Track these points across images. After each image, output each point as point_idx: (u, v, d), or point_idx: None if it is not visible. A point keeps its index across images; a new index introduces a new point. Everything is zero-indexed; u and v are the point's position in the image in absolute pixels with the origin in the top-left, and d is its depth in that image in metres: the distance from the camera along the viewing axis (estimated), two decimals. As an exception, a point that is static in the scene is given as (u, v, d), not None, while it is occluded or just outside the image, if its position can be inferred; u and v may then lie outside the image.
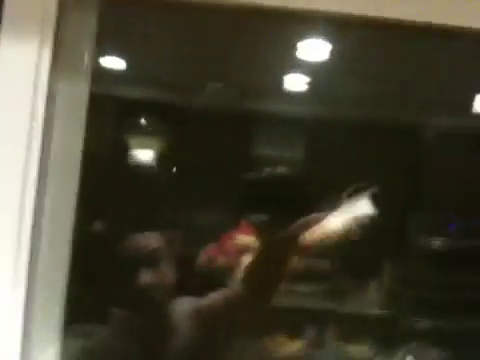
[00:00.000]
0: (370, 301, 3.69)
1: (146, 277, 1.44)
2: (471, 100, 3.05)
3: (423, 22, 1.46)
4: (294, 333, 3.30)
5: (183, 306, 1.33)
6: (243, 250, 2.41)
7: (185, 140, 3.37)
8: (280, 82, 3.03)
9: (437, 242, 3.63)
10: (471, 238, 3.59)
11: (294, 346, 3.20)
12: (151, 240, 1.61)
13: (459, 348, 3.35)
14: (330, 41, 2.32)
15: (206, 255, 2.49)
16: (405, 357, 3.20)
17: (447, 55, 2.15)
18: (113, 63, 2.89)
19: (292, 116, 3.39)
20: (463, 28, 1.47)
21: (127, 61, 2.92)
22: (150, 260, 1.48)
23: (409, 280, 3.63)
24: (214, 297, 1.30)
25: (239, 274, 1.65)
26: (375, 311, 3.66)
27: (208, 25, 2.10)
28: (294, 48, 2.39)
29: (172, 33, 2.29)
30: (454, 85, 2.74)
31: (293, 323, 3.36)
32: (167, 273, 1.50)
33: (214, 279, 2.33)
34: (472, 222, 3.58)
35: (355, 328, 3.48)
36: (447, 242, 3.63)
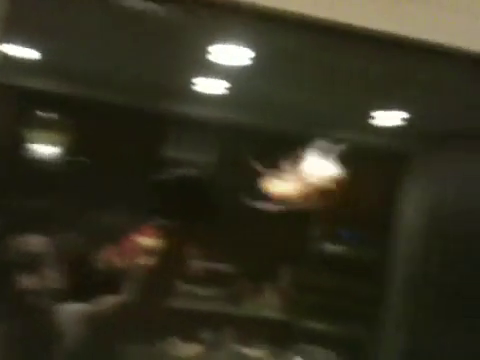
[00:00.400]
0: (267, 304, 3.76)
1: (27, 282, 1.36)
2: (374, 115, 3.17)
3: (341, 24, 1.48)
4: (192, 336, 3.30)
5: (72, 312, 1.25)
6: (144, 253, 2.36)
7: (91, 137, 3.25)
8: (195, 85, 3.01)
9: (331, 248, 3.78)
10: (363, 246, 3.77)
11: (191, 349, 3.19)
12: (34, 244, 1.52)
13: (348, 351, 3.52)
14: (246, 46, 2.33)
15: (105, 257, 2.41)
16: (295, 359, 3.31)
17: (368, 63, 2.20)
18: (21, 52, 2.71)
19: (206, 120, 3.38)
20: (391, 34, 1.51)
21: (36, 51, 2.76)
22: (32, 265, 1.39)
23: (304, 284, 3.75)
24: (105, 302, 1.24)
25: (138, 277, 1.60)
26: (271, 314, 3.74)
27: (125, 19, 2.04)
28: (209, 51, 2.38)
29: (86, 25, 2.19)
30: (367, 96, 2.81)
31: (191, 326, 3.35)
32: (52, 278, 1.41)
33: (113, 282, 2.26)
34: (364, 231, 3.76)
35: (252, 331, 3.54)
36: (341, 249, 3.79)
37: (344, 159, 3.68)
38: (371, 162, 3.68)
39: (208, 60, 2.49)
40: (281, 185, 1.01)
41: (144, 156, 3.34)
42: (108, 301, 1.24)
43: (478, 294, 2.75)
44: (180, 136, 3.46)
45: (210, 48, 2.37)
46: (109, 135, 3.30)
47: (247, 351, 3.43)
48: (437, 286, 3.16)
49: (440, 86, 2.44)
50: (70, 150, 3.21)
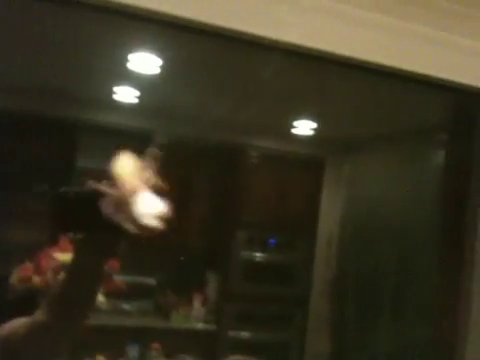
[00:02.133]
0: (194, 316, 3.72)
1: None
2: (294, 124, 3.23)
3: (250, 35, 1.49)
4: (117, 352, 3.20)
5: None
6: (63, 268, 2.27)
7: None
8: (110, 93, 2.95)
9: (258, 256, 3.80)
10: (288, 253, 3.82)
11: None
12: None
13: (275, 356, 3.55)
14: (161, 56, 2.32)
15: (21, 274, 2.30)
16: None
17: (281, 74, 2.25)
18: None
19: (121, 128, 3.31)
20: (298, 46, 1.53)
21: None
22: None
23: (231, 293, 3.74)
24: (14, 324, 1.15)
25: (57, 293, 1.51)
26: (199, 325, 3.71)
27: (39, 24, 1.97)
28: (126, 59, 2.34)
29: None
30: (284, 106, 2.86)
31: (116, 342, 3.25)
32: None
33: (30, 301, 2.15)
34: (290, 238, 3.82)
35: (179, 343, 3.49)
36: (267, 256, 3.81)
37: (266, 167, 3.74)
38: (291, 170, 3.75)
39: (122, 68, 2.45)
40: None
41: (57, 166, 3.23)
42: (16, 323, 1.15)
43: (396, 293, 2.85)
44: (92, 145, 3.36)
45: (124, 56, 2.34)
46: (18, 145, 3.16)
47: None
48: (357, 286, 3.26)
49: (353, 97, 2.55)
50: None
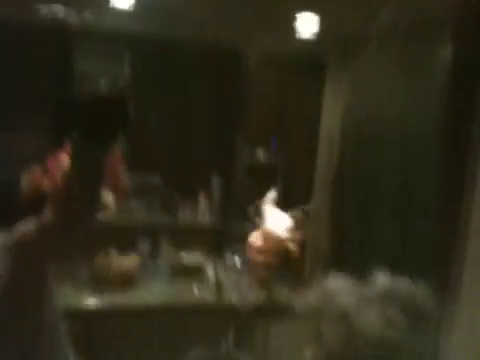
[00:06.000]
0: (201, 212, 3.84)
1: None
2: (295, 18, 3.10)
3: None
4: (128, 247, 3.35)
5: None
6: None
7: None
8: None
9: (261, 155, 3.85)
10: (289, 155, 3.85)
11: (127, 259, 3.25)
12: None
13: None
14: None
15: (31, 178, 2.37)
16: (232, 257, 3.47)
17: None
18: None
19: (118, 31, 3.25)
20: None
21: None
22: None
23: (236, 191, 3.84)
24: (25, 227, 1.22)
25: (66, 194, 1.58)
26: (205, 221, 3.83)
27: None
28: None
29: None
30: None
31: (127, 238, 3.40)
32: None
33: (40, 204, 2.24)
34: (291, 140, 3.84)
35: (187, 238, 3.63)
36: (269, 156, 3.87)
37: (269, 70, 3.68)
38: (291, 69, 3.69)
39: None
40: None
41: (58, 70, 3.21)
42: (27, 226, 1.22)
43: (396, 196, 2.84)
44: (89, 49, 3.32)
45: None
46: (17, 49, 3.13)
47: (184, 255, 3.54)
48: (357, 188, 3.28)
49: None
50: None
